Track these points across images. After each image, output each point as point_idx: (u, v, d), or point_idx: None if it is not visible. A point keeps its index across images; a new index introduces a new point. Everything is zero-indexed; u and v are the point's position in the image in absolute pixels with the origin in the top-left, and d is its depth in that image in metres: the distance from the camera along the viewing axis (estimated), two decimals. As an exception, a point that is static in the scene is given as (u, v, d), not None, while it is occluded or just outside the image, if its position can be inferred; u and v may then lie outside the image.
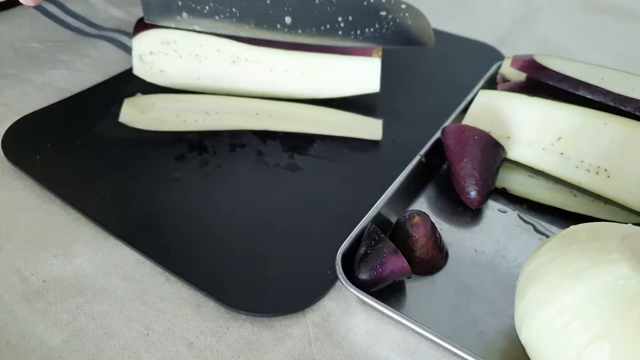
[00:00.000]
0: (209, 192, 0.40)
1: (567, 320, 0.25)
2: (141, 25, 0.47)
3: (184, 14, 0.43)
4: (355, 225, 0.35)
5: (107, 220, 0.37)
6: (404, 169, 0.40)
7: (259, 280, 0.34)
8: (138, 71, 0.49)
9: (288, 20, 0.43)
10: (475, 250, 0.37)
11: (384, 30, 0.44)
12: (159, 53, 0.47)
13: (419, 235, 0.34)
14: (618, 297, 0.24)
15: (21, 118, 0.46)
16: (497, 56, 0.57)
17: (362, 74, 0.47)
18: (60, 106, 0.48)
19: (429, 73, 0.55)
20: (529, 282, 0.28)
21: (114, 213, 0.38)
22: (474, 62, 0.56)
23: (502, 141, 0.41)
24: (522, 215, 0.40)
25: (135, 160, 0.43)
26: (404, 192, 0.39)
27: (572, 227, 0.30)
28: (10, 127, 0.45)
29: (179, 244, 0.36)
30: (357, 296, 0.32)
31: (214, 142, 0.44)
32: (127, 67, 0.53)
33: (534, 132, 0.40)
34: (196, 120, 0.44)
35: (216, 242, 0.37)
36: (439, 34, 0.62)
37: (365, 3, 0.43)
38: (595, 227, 0.29)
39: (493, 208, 0.40)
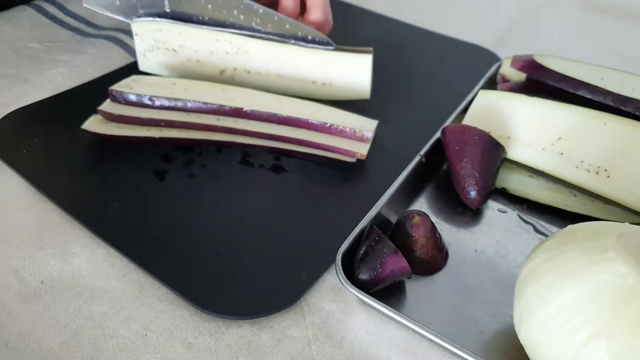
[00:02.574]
0: (194, 192, 0.40)
1: (565, 318, 0.25)
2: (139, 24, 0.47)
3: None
4: (336, 227, 0.35)
5: (88, 219, 0.37)
6: (391, 174, 0.39)
7: (244, 282, 0.34)
8: (143, 67, 0.49)
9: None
10: (475, 250, 0.37)
11: None
12: (159, 49, 0.48)
13: (419, 235, 0.34)
14: (615, 294, 0.25)
15: (9, 113, 0.45)
16: (493, 59, 0.57)
17: (354, 67, 0.47)
18: (51, 101, 0.48)
19: (424, 77, 0.55)
20: (527, 282, 0.28)
21: (95, 211, 0.38)
22: (469, 66, 0.56)
23: (502, 141, 0.41)
24: (522, 215, 0.40)
25: (120, 158, 0.42)
26: (404, 192, 0.39)
27: (570, 226, 0.30)
28: None
29: (159, 244, 0.36)
30: (357, 296, 0.32)
31: (200, 141, 0.44)
32: (124, 63, 0.53)
33: (534, 132, 0.40)
34: (161, 130, 0.43)
35: (197, 242, 0.36)
36: (435, 36, 0.62)
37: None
38: (593, 226, 0.29)
39: (493, 208, 0.40)
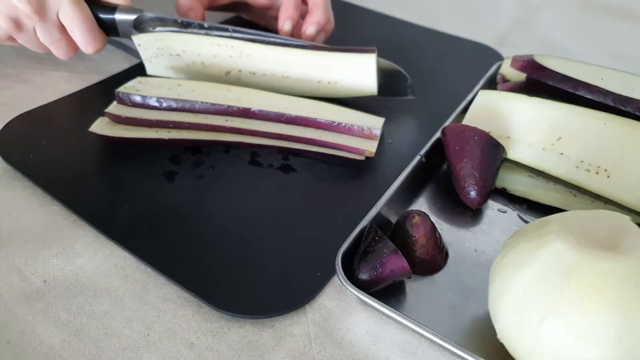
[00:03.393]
0: (203, 193, 0.40)
1: (523, 305, 0.27)
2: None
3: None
4: (347, 226, 0.35)
5: (98, 221, 0.37)
6: (400, 171, 0.40)
7: (253, 282, 0.34)
8: (151, 71, 0.50)
9: None
10: (475, 250, 0.37)
11: None
12: (163, 55, 0.48)
13: (419, 235, 0.35)
14: (558, 272, 0.26)
15: (17, 116, 0.45)
16: (496, 57, 0.57)
17: (358, 68, 0.47)
18: (56, 105, 0.48)
19: (427, 74, 0.55)
20: (491, 281, 0.30)
21: (105, 213, 0.38)
22: (472, 64, 0.56)
23: (502, 141, 0.41)
24: (522, 215, 0.40)
25: (128, 160, 0.42)
26: (404, 192, 0.39)
27: (528, 224, 0.31)
28: (5, 125, 0.45)
29: (170, 245, 0.36)
30: (357, 296, 0.32)
31: (208, 142, 0.44)
32: (127, 65, 0.53)
33: (534, 132, 0.40)
34: (169, 132, 0.43)
35: (207, 243, 0.36)
36: (437, 34, 0.63)
37: None
38: (542, 219, 0.30)
39: (493, 208, 0.41)
